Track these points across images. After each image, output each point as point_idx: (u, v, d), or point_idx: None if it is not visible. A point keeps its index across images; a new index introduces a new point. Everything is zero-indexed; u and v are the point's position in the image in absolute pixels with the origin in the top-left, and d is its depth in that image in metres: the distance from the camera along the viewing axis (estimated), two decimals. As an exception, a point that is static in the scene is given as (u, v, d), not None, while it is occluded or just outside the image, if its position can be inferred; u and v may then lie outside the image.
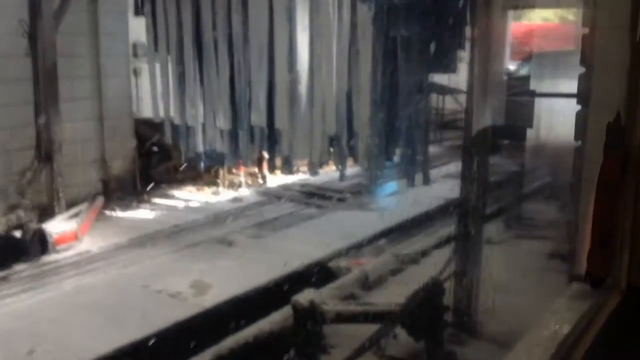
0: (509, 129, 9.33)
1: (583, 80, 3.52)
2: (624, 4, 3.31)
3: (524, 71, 13.26)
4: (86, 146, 9.93)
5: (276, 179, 11.35)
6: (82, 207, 9.11)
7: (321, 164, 7.69)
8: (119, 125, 10.33)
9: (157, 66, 8.70)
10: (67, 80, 9.14)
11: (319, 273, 7.17)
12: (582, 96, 3.53)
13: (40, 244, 7.81)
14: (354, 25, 6.97)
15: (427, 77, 7.21)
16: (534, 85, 9.30)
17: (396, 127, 7.14)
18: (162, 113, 8.77)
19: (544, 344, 2.97)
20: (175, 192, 10.87)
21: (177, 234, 8.78)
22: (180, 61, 8.34)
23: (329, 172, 10.06)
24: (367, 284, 6.89)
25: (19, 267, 7.45)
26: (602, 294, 3.34)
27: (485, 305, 5.94)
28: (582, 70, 3.61)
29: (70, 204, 9.07)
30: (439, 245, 7.83)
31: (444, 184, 10.12)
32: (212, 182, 11.21)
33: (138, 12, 9.39)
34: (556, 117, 8.29)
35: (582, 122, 3.55)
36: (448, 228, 7.79)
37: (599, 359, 2.97)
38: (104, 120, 10.13)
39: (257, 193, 10.91)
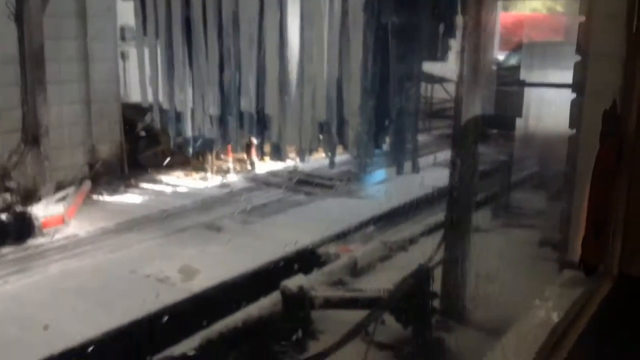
0: (498, 119, 9.34)
1: (579, 69, 3.52)
2: (620, -7, 3.32)
3: (512, 61, 13.27)
4: (73, 130, 9.86)
5: (265, 166, 11.32)
6: (69, 190, 9.04)
7: (311, 151, 7.67)
8: (106, 109, 10.25)
9: (146, 50, 8.61)
10: (54, 62, 9.06)
11: (307, 259, 7.18)
12: (578, 84, 3.53)
13: (27, 227, 7.75)
14: (345, 12, 6.92)
15: (418, 66, 7.19)
16: (523, 75, 9.30)
17: (386, 115, 7.13)
18: (150, 97, 8.69)
19: (536, 330, 2.99)
20: (163, 177, 10.82)
21: (165, 219, 8.75)
22: (169, 45, 8.25)
23: (318, 159, 10.03)
24: (356, 270, 6.91)
25: (4, 250, 7.42)
26: (593, 281, 3.37)
27: (474, 292, 5.96)
28: (572, 61, 3.61)
29: (57, 188, 9.01)
30: (427, 232, 7.85)
31: (432, 172, 10.13)
32: (200, 167, 11.16)
33: (126, -6, 9.29)
34: (546, 107, 8.30)
35: (577, 111, 3.56)
36: (436, 216, 7.83)
37: (591, 345, 2.99)
38: (91, 103, 10.06)
39: (245, 179, 10.88)
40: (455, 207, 5.90)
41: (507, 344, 2.97)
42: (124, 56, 10.70)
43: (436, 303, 5.73)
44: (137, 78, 8.88)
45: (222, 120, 8.07)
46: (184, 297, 6.20)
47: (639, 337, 3.06)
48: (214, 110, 8.01)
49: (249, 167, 11.41)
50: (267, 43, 7.38)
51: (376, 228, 8.45)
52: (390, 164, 7.91)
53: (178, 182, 10.66)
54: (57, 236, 7.86)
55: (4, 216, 7.85)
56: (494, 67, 11.42)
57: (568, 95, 4.06)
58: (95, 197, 9.54)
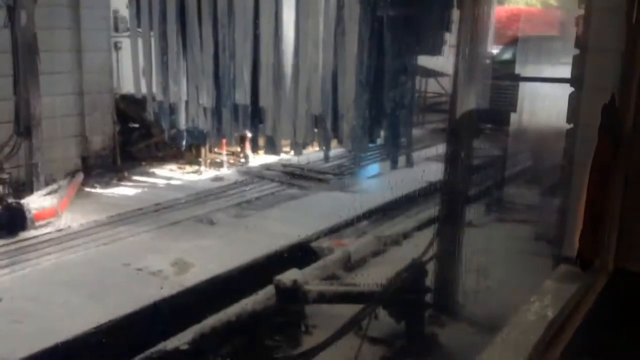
0: (492, 113, 9.34)
1: (577, 63, 3.51)
2: (619, -14, 3.30)
3: (506, 55, 13.25)
4: (66, 121, 9.79)
5: (259, 159, 11.28)
6: (62, 183, 8.99)
7: (305, 145, 7.64)
8: (99, 100, 10.19)
9: (139, 41, 8.55)
10: (46, 53, 8.96)
11: (301, 253, 7.15)
12: (576, 78, 3.52)
13: (19, 219, 7.68)
14: (340, 4, 6.89)
15: (413, 59, 7.17)
16: (518, 69, 9.29)
17: (381, 109, 7.11)
18: (144, 89, 8.65)
19: (533, 325, 2.97)
20: (156, 170, 10.77)
21: (158, 212, 8.70)
22: (163, 36, 8.19)
23: (313, 153, 10.02)
24: (350, 264, 6.89)
25: (-4, 242, 7.35)
26: (590, 276, 3.36)
27: (467, 287, 5.96)
28: (566, 55, 3.60)
29: (50, 180, 8.94)
30: (421, 227, 7.84)
31: (426, 167, 10.10)
32: (194, 160, 11.11)
33: (120, -15, 9.24)
34: (541, 102, 8.30)
35: (575, 105, 3.55)
36: (430, 210, 7.81)
37: (587, 340, 2.99)
38: (84, 95, 9.99)
39: (238, 172, 10.84)
40: (449, 202, 5.89)
41: (503, 339, 2.96)
42: (117, 47, 10.64)
43: (429, 298, 5.73)
44: (131, 69, 8.84)
45: (216, 113, 8.02)
46: (177, 290, 6.16)
47: (635, 332, 3.05)
48: (208, 102, 7.96)
49: (242, 160, 11.37)
50: (262, 35, 7.34)
51: (370, 222, 8.43)
52: (385, 158, 7.90)
53: (171, 175, 10.61)
54: (50, 229, 7.80)
55: (-5, 208, 7.81)
56: (488, 61, 11.40)
57: (563, 89, 4.04)
58: (87, 189, 9.48)
